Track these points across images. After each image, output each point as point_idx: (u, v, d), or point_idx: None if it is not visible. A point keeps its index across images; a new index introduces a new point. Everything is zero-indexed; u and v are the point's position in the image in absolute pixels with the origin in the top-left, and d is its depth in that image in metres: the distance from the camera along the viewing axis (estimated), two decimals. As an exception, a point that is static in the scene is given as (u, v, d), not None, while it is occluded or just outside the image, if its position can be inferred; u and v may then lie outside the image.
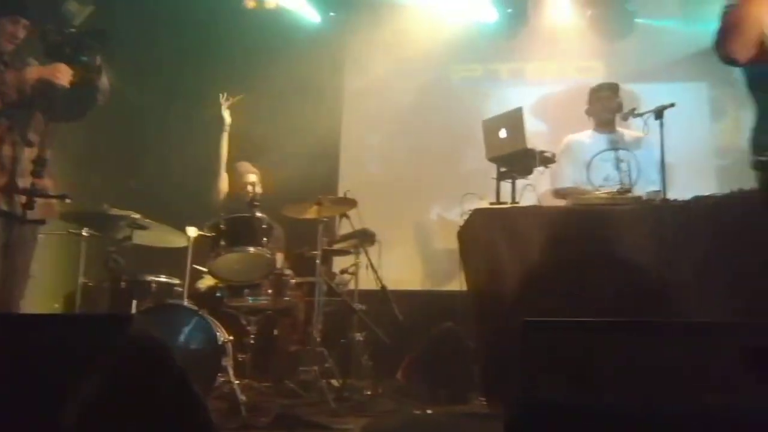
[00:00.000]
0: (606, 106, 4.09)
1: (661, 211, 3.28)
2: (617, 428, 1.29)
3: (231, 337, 3.60)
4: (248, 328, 3.73)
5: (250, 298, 3.80)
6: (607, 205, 3.39)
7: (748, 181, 4.53)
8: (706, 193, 3.44)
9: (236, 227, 3.71)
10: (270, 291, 3.85)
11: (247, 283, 3.81)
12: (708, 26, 5.80)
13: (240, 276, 3.78)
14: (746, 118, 5.87)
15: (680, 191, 3.59)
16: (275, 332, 4.09)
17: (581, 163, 3.88)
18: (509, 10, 5.88)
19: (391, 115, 5.94)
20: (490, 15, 5.89)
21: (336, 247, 4.64)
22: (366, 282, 4.63)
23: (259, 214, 3.76)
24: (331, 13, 6.03)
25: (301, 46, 5.69)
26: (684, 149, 4.85)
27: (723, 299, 2.87)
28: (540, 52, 5.87)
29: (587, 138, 4.11)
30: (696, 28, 5.53)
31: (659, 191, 3.44)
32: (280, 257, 4.20)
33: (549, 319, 1.47)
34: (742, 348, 1.40)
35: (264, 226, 3.74)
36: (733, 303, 2.85)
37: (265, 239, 3.71)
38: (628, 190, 3.54)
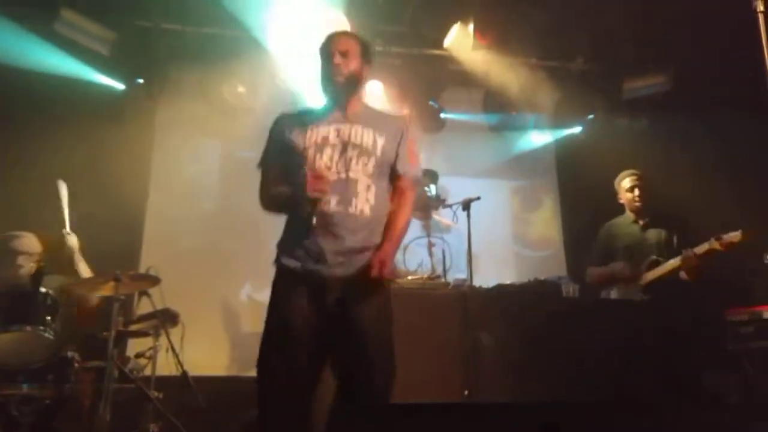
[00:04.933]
0: (424, 193, 4.27)
1: (466, 298, 3.44)
2: None
3: (-4, 433, 3.10)
4: (21, 420, 3.27)
5: (24, 384, 3.33)
6: (418, 290, 3.50)
7: (542, 270, 4.96)
8: (507, 281, 3.79)
9: (12, 303, 3.28)
10: (51, 377, 3.41)
11: (22, 367, 3.33)
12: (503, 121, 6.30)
13: (14, 359, 3.31)
14: (542, 213, 6.39)
15: (484, 278, 3.82)
16: (53, 424, 3.58)
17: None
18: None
19: (203, 187, 5.71)
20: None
21: (132, 328, 4.22)
22: (166, 367, 4.24)
23: (43, 289, 3.36)
24: (139, 80, 5.70)
25: (103, 113, 5.32)
26: (488, 239, 5.17)
27: (522, 377, 3.06)
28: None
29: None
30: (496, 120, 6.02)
31: (466, 279, 3.61)
32: (65, 338, 3.73)
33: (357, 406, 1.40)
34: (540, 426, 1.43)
35: (49, 303, 3.34)
36: (535, 382, 3.06)
37: (48, 317, 3.30)
38: (438, 276, 3.70)
